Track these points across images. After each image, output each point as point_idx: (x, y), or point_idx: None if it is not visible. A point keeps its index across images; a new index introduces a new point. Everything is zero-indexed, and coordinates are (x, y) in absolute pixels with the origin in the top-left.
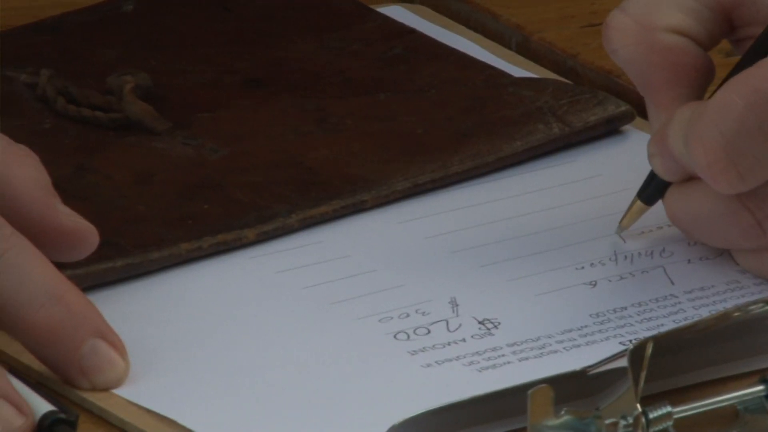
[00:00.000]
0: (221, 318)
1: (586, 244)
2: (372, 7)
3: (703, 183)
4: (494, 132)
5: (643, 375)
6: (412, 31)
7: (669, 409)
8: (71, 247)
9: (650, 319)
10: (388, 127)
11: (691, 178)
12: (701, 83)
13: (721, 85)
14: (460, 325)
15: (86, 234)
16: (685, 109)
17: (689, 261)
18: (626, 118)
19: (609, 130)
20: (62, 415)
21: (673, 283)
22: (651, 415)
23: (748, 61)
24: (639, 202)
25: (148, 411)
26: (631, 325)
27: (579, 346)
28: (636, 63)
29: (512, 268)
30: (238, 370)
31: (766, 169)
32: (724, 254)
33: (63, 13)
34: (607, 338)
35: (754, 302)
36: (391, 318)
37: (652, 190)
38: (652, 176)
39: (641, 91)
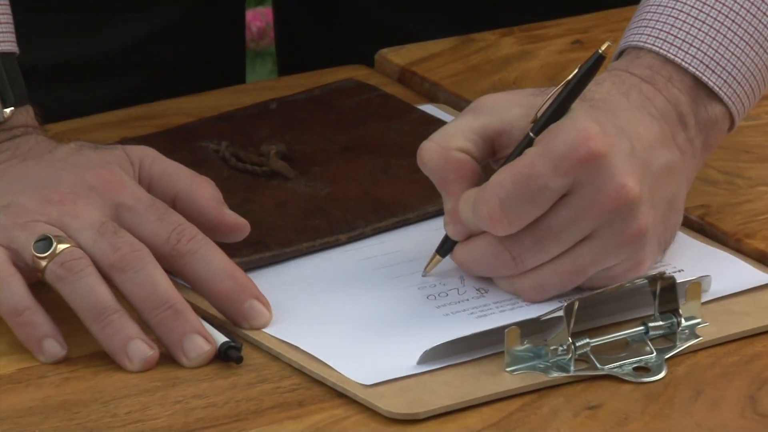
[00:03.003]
0: (326, 286)
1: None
2: (415, 105)
3: (478, 239)
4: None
5: (572, 320)
6: (439, 121)
7: (587, 340)
8: (234, 234)
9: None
10: (423, 176)
11: (469, 237)
12: (475, 181)
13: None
14: (465, 291)
15: (242, 225)
16: (469, 192)
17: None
18: None
19: None
20: (232, 343)
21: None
22: (576, 344)
23: (510, 159)
24: (437, 256)
25: (282, 341)
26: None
27: (521, 307)
28: (437, 170)
29: None
30: (335, 315)
31: (524, 219)
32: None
33: (235, 109)
34: (525, 303)
35: (638, 278)
36: (425, 287)
37: (445, 248)
38: (445, 238)
39: (439, 187)
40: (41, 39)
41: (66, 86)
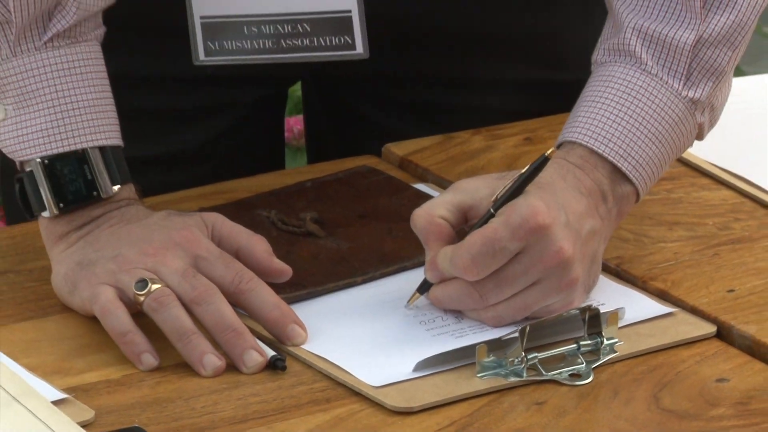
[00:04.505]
0: (346, 314)
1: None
2: (411, 184)
3: (452, 282)
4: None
5: (525, 340)
6: (428, 196)
7: (536, 354)
8: (280, 277)
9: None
10: (416, 236)
11: (443, 281)
12: (450, 241)
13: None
14: (447, 318)
15: (286, 271)
16: (446, 249)
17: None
18: None
19: None
20: (279, 356)
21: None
22: (528, 357)
23: (476, 225)
24: (417, 294)
25: (315, 354)
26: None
27: (488, 330)
28: (423, 231)
29: None
30: (353, 335)
31: (488, 269)
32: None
33: (280, 187)
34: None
35: (572, 309)
36: (418, 315)
37: (424, 288)
38: (424, 281)
39: (424, 243)
40: (139, 138)
41: (158, 171)
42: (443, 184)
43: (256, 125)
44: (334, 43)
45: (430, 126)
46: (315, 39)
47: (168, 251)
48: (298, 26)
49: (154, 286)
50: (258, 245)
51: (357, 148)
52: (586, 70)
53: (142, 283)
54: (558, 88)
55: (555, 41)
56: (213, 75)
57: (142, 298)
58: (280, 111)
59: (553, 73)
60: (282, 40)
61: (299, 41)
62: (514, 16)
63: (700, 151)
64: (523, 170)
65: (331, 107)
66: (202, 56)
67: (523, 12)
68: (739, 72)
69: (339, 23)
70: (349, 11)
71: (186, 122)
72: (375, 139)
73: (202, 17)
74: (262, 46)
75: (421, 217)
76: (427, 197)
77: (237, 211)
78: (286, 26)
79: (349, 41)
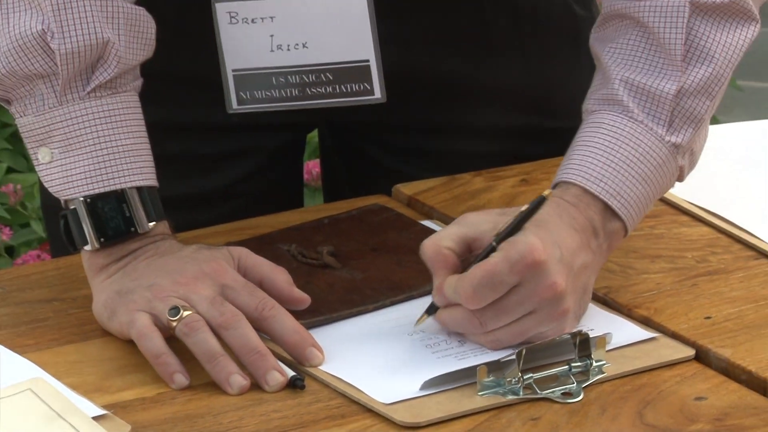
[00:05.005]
0: (360, 338)
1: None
2: (418, 221)
3: (456, 308)
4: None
5: (521, 362)
6: (434, 231)
7: (531, 374)
8: (300, 305)
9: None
10: (425, 267)
11: (447, 306)
12: (455, 270)
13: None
14: (450, 342)
15: (305, 299)
16: (452, 277)
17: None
18: None
19: None
20: (298, 376)
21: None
22: (524, 377)
23: (480, 257)
24: (425, 315)
25: (331, 374)
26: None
27: (488, 353)
28: (431, 260)
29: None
30: (365, 357)
31: (488, 299)
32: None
33: (300, 223)
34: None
35: (564, 335)
36: (424, 339)
37: (431, 310)
38: (431, 304)
39: (432, 271)
40: (171, 180)
41: (186, 210)
42: (447, 220)
43: (278, 168)
44: (354, 89)
45: (434, 168)
46: (337, 86)
47: (198, 281)
48: (322, 75)
49: (186, 313)
50: (280, 276)
51: (369, 188)
52: (573, 118)
53: (175, 310)
54: (549, 134)
55: (547, 92)
56: (240, 123)
57: (174, 324)
58: (299, 156)
59: (544, 120)
60: (307, 89)
61: (323, 89)
62: (511, 70)
63: (680, 192)
64: (523, 208)
65: (345, 152)
66: (234, 105)
67: (519, 66)
68: (715, 121)
69: (359, 71)
70: (368, 60)
71: (214, 165)
72: (385, 181)
73: (233, 70)
74: (289, 94)
75: (430, 247)
76: (432, 233)
77: (260, 245)
78: (310, 76)
79: (368, 87)
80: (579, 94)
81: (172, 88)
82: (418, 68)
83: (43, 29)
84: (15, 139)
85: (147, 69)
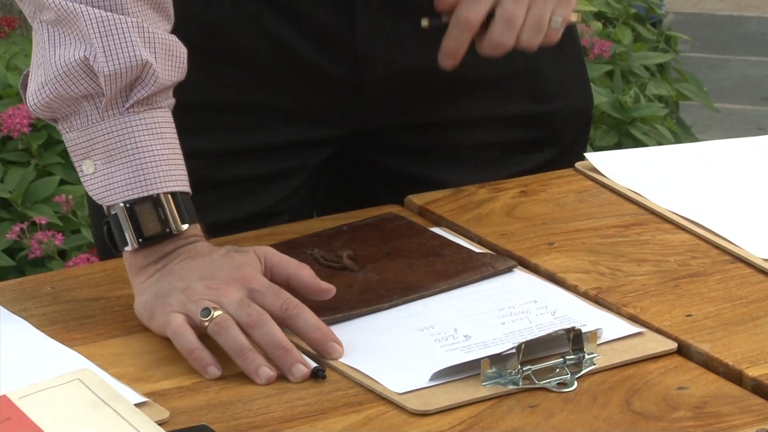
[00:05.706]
0: (375, 334)
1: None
2: (428, 228)
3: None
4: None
5: (520, 355)
6: (442, 237)
7: (530, 366)
8: (326, 294)
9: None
10: (434, 268)
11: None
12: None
13: None
14: (457, 337)
15: (331, 289)
16: None
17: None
18: (510, 267)
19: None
20: (320, 368)
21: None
22: (523, 368)
23: None
24: (426, 19)
25: (349, 366)
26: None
27: (491, 346)
28: None
29: (476, 320)
30: (381, 350)
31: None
32: None
33: (322, 230)
34: (494, 344)
35: (560, 329)
36: (433, 334)
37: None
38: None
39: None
40: (220, 204)
41: (236, 231)
42: (454, 228)
43: (322, 183)
44: None
45: (442, 165)
46: None
47: (228, 286)
48: None
49: (216, 313)
50: (305, 271)
51: (382, 199)
52: (562, 101)
53: (207, 311)
54: (541, 118)
55: (537, 79)
56: (281, 143)
57: (206, 323)
58: (337, 171)
59: (538, 106)
60: None
61: None
62: (499, 62)
63: (664, 202)
64: None
65: (357, 162)
66: None
67: (505, 58)
68: (694, 139)
69: None
70: None
71: (247, 191)
72: (397, 192)
73: None
74: None
75: None
76: (441, 238)
77: (286, 249)
78: None
79: None
80: (566, 77)
81: (221, 116)
82: (417, 67)
83: (85, 55)
84: (67, 154)
85: (200, 101)
